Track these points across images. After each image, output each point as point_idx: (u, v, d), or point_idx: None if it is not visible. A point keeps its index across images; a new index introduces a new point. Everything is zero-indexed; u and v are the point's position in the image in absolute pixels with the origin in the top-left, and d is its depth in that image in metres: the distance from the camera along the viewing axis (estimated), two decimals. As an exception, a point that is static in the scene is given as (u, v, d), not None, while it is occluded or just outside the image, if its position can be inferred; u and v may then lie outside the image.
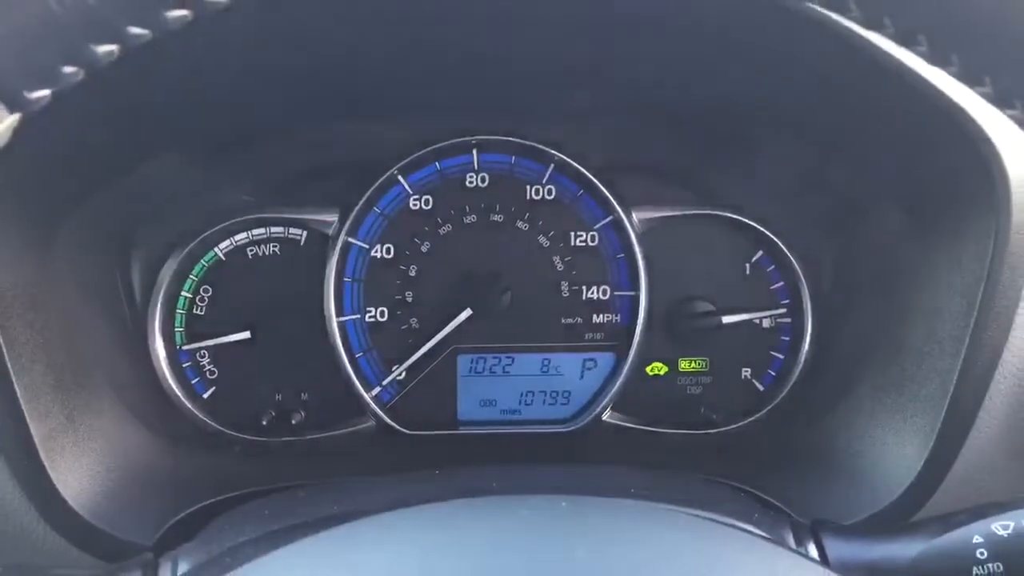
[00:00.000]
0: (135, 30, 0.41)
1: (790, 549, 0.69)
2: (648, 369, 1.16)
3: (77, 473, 0.90)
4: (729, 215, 1.13)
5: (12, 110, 0.44)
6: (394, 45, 0.84)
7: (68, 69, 0.43)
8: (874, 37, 0.82)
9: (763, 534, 0.71)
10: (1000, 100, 0.45)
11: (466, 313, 1.10)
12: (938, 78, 0.83)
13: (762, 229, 1.12)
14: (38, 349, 0.88)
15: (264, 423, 1.09)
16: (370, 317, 1.13)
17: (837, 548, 0.75)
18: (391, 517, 0.52)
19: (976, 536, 0.72)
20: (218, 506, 0.93)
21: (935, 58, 0.45)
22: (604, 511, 0.60)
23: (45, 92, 0.44)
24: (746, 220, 1.13)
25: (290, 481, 0.98)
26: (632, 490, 0.71)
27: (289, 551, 0.51)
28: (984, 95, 0.46)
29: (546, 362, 1.15)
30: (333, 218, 1.11)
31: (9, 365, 0.83)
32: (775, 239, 1.12)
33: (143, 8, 0.40)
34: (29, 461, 0.86)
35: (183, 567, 0.71)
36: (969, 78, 0.45)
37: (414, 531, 0.51)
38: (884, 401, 0.98)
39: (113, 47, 0.43)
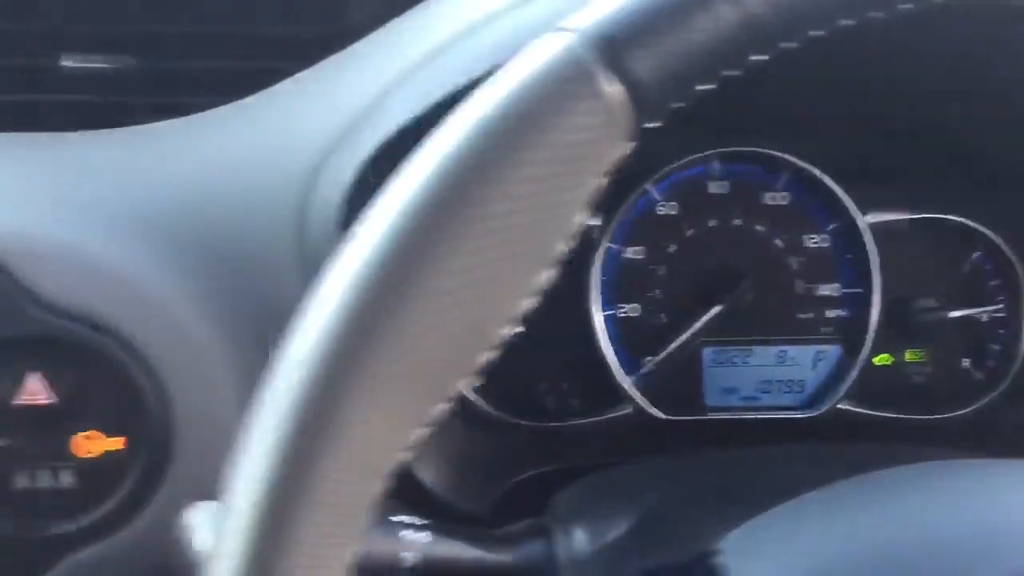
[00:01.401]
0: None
1: None
2: (875, 360, 1.26)
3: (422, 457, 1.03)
4: (952, 218, 1.23)
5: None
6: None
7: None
8: None
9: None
10: None
11: (716, 309, 1.21)
12: None
13: (983, 230, 1.22)
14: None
15: (549, 407, 1.20)
16: (622, 313, 1.24)
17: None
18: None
19: None
20: (532, 481, 1.06)
21: None
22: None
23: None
24: (968, 223, 1.23)
25: (570, 462, 1.11)
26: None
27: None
28: None
29: (782, 354, 1.25)
30: (593, 223, 1.21)
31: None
32: (997, 240, 1.22)
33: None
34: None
35: (580, 528, 0.82)
36: None
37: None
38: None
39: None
